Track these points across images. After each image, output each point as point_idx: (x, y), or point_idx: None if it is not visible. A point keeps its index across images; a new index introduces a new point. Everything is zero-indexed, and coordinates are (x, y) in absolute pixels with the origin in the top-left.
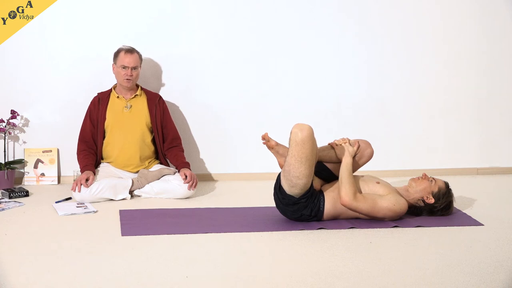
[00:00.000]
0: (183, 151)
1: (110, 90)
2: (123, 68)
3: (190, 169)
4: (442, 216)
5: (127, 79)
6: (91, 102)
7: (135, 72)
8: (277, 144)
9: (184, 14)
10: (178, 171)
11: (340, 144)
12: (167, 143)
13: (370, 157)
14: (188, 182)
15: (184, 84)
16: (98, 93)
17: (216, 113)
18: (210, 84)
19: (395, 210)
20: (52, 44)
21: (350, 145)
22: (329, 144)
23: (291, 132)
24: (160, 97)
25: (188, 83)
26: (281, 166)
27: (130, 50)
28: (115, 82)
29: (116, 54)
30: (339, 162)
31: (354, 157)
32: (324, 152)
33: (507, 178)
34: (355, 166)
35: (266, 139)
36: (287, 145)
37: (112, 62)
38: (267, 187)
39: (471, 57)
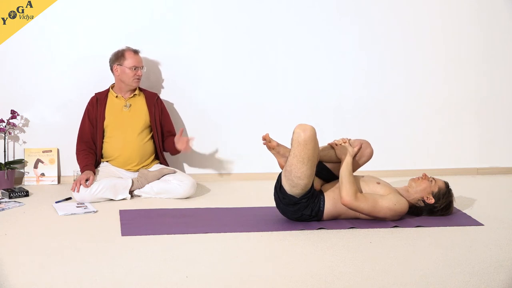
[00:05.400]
0: None
1: (108, 90)
2: (134, 69)
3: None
4: (442, 216)
5: (137, 79)
6: (88, 103)
7: (142, 71)
8: (278, 144)
9: (184, 14)
10: (174, 140)
11: (340, 144)
12: (165, 136)
13: (370, 157)
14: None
15: (183, 84)
16: (95, 93)
17: (215, 113)
18: (209, 84)
19: (396, 210)
20: (52, 44)
21: (350, 145)
22: (329, 144)
23: (293, 132)
24: (158, 96)
25: (187, 83)
26: (282, 167)
27: (136, 51)
28: (113, 82)
29: (121, 55)
30: (339, 162)
31: (354, 157)
32: (324, 152)
33: (507, 178)
34: (355, 165)
35: (267, 140)
36: (287, 145)
37: (112, 63)
38: (267, 187)
39: (471, 57)
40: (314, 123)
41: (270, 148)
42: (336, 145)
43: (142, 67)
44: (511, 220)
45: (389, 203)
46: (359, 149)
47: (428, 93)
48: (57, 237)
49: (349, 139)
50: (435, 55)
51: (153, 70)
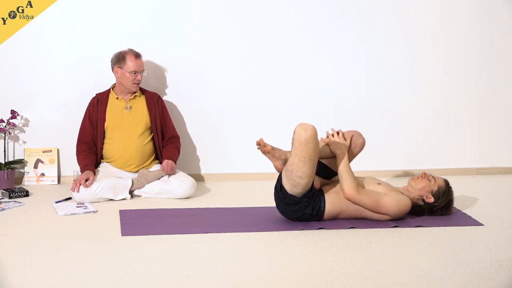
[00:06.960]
0: (177, 147)
1: (109, 91)
2: (134, 73)
3: (173, 161)
4: (442, 216)
5: (137, 83)
6: (89, 103)
7: (142, 76)
8: (273, 148)
9: (184, 15)
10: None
11: (333, 137)
12: (165, 141)
13: (362, 146)
14: (165, 172)
15: (183, 85)
16: (96, 94)
17: (215, 113)
18: (209, 84)
19: (399, 206)
20: (52, 44)
21: (345, 138)
22: (322, 139)
23: (294, 132)
24: (159, 96)
25: (187, 83)
26: (278, 169)
27: (138, 54)
28: (114, 82)
29: (123, 58)
30: (334, 156)
31: (348, 150)
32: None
33: (507, 178)
34: (350, 156)
35: (261, 145)
36: (287, 146)
37: (113, 64)
38: (267, 187)
39: (471, 57)
40: (314, 123)
41: (265, 152)
42: (328, 136)
43: (143, 71)
44: (511, 220)
45: (392, 200)
46: (350, 140)
47: (428, 93)
48: (57, 237)
49: (342, 131)
50: (435, 55)
51: (153, 71)
